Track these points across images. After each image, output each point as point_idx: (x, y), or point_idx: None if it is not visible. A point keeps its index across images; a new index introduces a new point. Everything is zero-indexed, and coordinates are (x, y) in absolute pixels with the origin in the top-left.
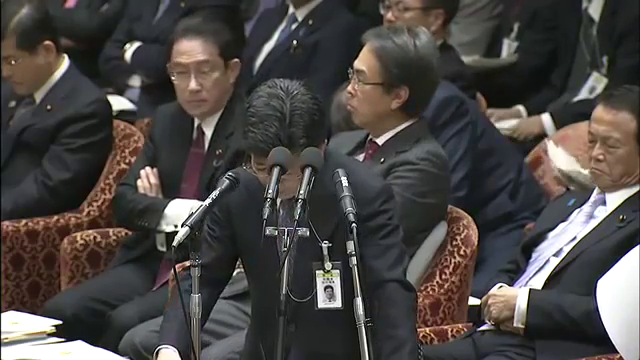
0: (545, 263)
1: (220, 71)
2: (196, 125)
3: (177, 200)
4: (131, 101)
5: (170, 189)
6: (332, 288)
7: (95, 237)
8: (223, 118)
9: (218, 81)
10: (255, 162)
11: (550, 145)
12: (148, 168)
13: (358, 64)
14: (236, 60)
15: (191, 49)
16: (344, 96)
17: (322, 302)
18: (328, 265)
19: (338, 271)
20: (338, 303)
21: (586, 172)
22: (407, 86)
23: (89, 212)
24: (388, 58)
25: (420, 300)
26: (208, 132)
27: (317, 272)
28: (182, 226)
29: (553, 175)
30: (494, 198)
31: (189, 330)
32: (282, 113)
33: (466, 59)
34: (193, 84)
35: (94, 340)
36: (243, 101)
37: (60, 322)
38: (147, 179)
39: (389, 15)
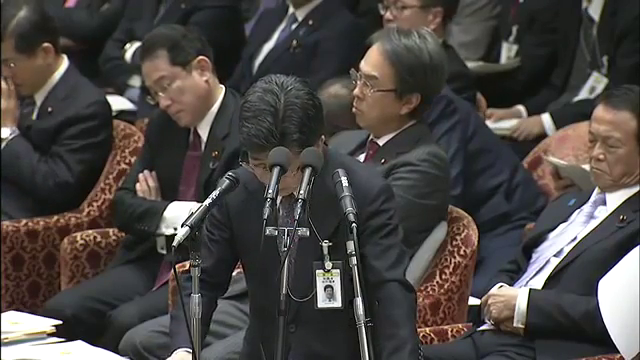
0: (545, 263)
1: (181, 78)
2: (192, 128)
3: (176, 202)
4: (131, 101)
5: (168, 192)
6: (332, 288)
7: (95, 237)
8: (217, 119)
9: (183, 88)
10: (251, 157)
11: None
12: (147, 171)
13: (369, 69)
14: (200, 58)
15: (146, 71)
16: (326, 94)
17: (322, 302)
18: (328, 264)
19: (338, 270)
20: (338, 303)
21: (584, 166)
22: (420, 93)
23: (89, 212)
24: (402, 65)
25: (420, 300)
26: (203, 134)
27: (317, 271)
28: (182, 226)
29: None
30: (489, 199)
31: (189, 331)
32: (276, 108)
33: (469, 64)
34: (162, 102)
35: (94, 340)
36: (236, 96)
37: (60, 322)
38: (146, 182)
39: (387, 14)
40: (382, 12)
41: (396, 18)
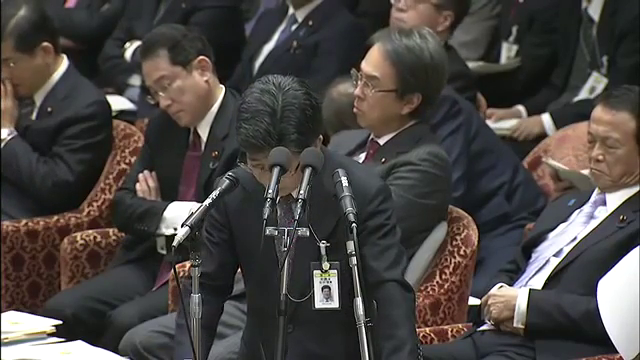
0: (545, 263)
1: (181, 78)
2: (192, 129)
3: (176, 203)
4: (131, 100)
5: (168, 192)
6: (329, 288)
7: (95, 237)
8: (217, 119)
9: (184, 88)
10: (249, 158)
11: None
12: (146, 171)
13: (370, 69)
14: (201, 58)
15: (147, 71)
16: (335, 92)
17: (319, 302)
18: (326, 265)
19: (336, 271)
20: (335, 303)
21: (584, 171)
22: (421, 93)
23: (89, 212)
24: (403, 65)
25: (420, 300)
26: (203, 135)
27: (315, 272)
28: (182, 226)
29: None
30: (490, 199)
31: (189, 331)
32: (273, 108)
33: (469, 64)
34: (162, 101)
35: (94, 340)
36: (236, 97)
37: (60, 322)
38: (145, 182)
39: (400, 3)
40: (393, 1)
41: (409, 9)
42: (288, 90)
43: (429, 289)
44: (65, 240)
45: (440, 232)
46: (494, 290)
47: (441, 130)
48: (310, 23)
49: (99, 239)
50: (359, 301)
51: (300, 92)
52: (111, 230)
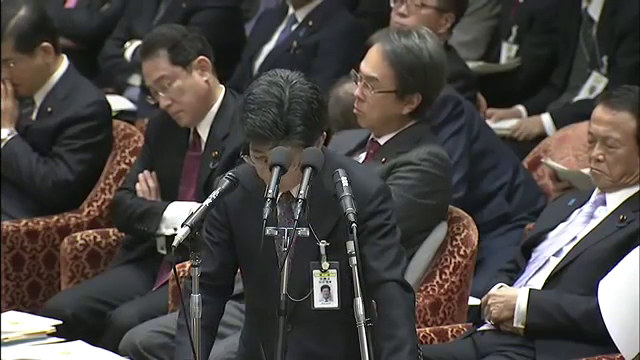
0: (545, 263)
1: (181, 78)
2: (192, 129)
3: (176, 203)
4: (131, 100)
5: (168, 192)
6: (329, 288)
7: (95, 237)
8: (217, 119)
9: (184, 88)
10: (253, 150)
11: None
12: (146, 172)
13: (369, 70)
14: (201, 58)
15: (147, 71)
16: (342, 91)
17: (319, 302)
18: (325, 265)
19: (335, 271)
20: (335, 303)
21: (583, 170)
22: (420, 93)
23: (89, 212)
24: (402, 65)
25: (420, 300)
26: (203, 134)
27: (314, 272)
28: (182, 226)
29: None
30: (490, 200)
31: (189, 331)
32: (281, 100)
33: (469, 64)
34: (162, 102)
35: (94, 340)
36: (236, 97)
37: (60, 322)
38: (145, 182)
39: (402, 9)
40: (392, 4)
41: (410, 14)
42: (295, 83)
43: (429, 289)
44: (65, 240)
45: (440, 232)
46: (494, 290)
47: (443, 131)
48: (310, 23)
49: (99, 239)
50: (359, 301)
51: (307, 86)
52: (111, 230)
